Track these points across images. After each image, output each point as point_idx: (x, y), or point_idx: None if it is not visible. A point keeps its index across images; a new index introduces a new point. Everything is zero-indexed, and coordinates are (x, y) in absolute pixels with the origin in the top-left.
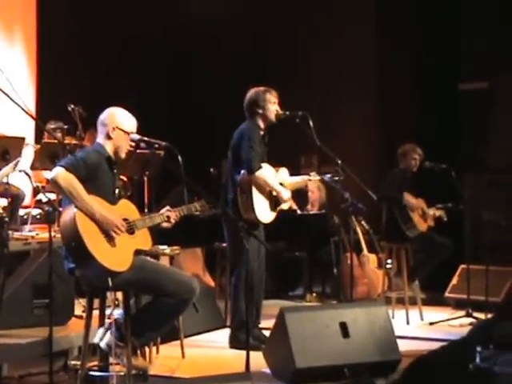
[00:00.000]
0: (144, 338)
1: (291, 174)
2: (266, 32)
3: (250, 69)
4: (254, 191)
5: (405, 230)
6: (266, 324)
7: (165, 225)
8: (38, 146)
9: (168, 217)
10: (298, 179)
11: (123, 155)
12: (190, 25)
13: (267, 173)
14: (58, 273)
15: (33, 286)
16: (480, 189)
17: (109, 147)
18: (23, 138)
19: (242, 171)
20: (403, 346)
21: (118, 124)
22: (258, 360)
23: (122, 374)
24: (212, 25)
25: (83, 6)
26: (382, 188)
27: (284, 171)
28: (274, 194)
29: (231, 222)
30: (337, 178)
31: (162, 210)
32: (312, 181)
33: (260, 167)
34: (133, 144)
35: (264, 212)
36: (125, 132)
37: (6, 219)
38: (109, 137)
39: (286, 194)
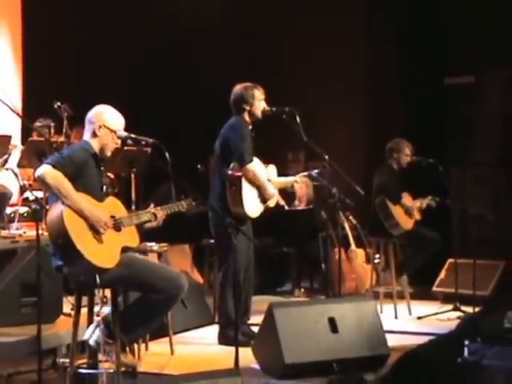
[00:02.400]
0: (133, 334)
1: (278, 173)
2: (251, 30)
3: (236, 66)
4: (244, 184)
5: (388, 228)
6: (255, 320)
7: (148, 225)
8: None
9: (155, 215)
10: (285, 180)
11: (109, 153)
12: (178, 22)
13: (258, 167)
14: (45, 271)
15: (21, 284)
16: (467, 183)
17: (95, 145)
18: (10, 136)
19: (232, 164)
20: (392, 340)
21: (105, 122)
22: (247, 356)
23: (111, 371)
24: (200, 23)
25: (69, 0)
26: (380, 182)
27: (272, 168)
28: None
29: (218, 218)
30: (318, 171)
31: (149, 208)
32: (298, 183)
33: (252, 160)
34: (119, 142)
35: (252, 206)
36: (111, 130)
37: None
38: (95, 134)
39: (271, 191)
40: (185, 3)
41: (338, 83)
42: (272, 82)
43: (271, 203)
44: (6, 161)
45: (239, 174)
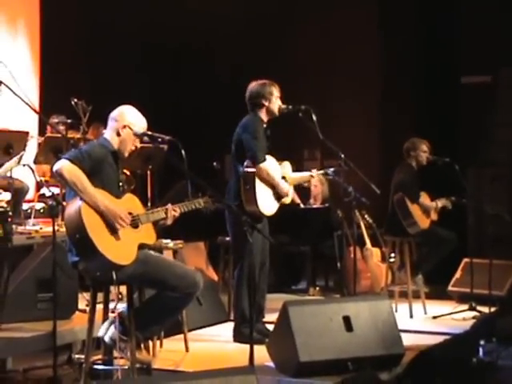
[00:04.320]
0: (148, 331)
1: (294, 170)
2: (269, 29)
3: (253, 65)
4: (258, 183)
5: (405, 227)
6: (270, 318)
7: (161, 223)
8: (42, 138)
9: (171, 212)
10: (301, 175)
11: (126, 154)
12: (191, 21)
13: (271, 165)
14: (61, 267)
15: (37, 280)
16: (483, 183)
17: (115, 143)
18: (27, 133)
19: (246, 162)
20: (406, 339)
21: (129, 123)
22: (261, 354)
23: (126, 367)
24: (210, 22)
25: None
26: (400, 181)
27: (287, 165)
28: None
29: (234, 216)
30: (334, 169)
31: (166, 206)
32: (315, 177)
33: (265, 159)
34: (138, 145)
35: (267, 204)
36: (133, 131)
37: (10, 213)
38: (118, 133)
39: (285, 188)
40: (196, 3)
41: (351, 83)
42: (287, 80)
43: (286, 200)
44: (21, 157)
45: (253, 172)
